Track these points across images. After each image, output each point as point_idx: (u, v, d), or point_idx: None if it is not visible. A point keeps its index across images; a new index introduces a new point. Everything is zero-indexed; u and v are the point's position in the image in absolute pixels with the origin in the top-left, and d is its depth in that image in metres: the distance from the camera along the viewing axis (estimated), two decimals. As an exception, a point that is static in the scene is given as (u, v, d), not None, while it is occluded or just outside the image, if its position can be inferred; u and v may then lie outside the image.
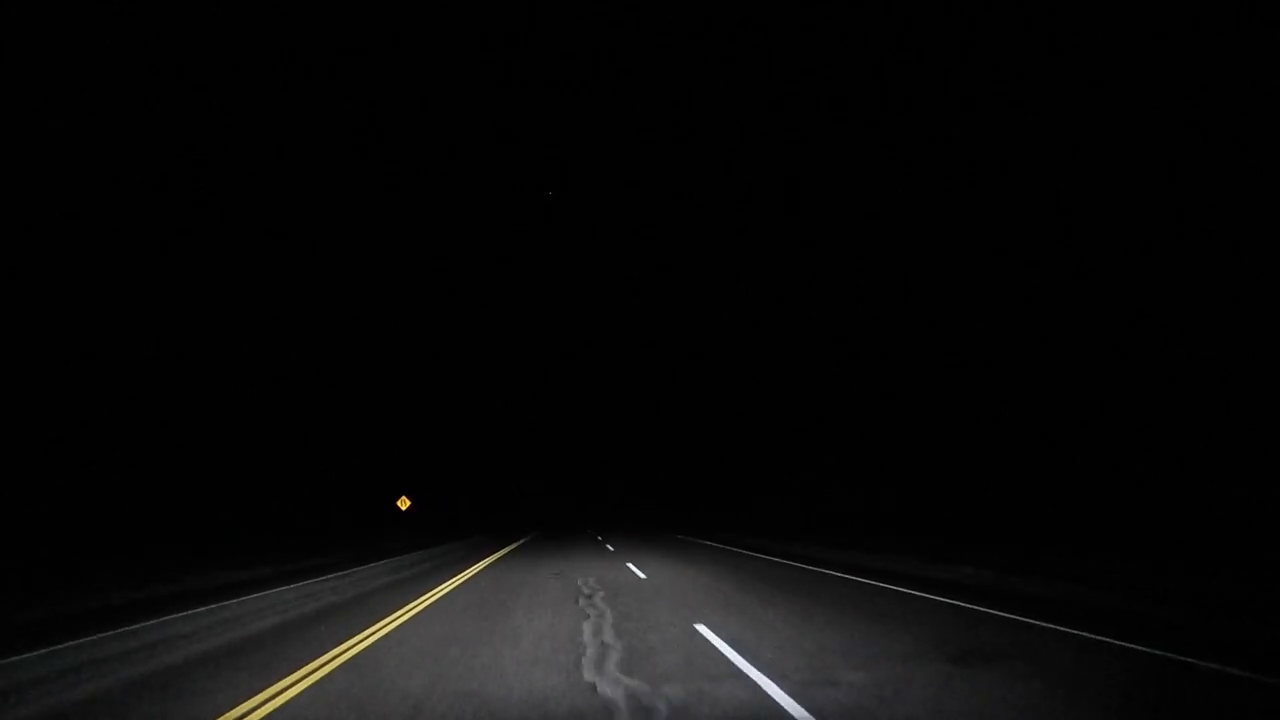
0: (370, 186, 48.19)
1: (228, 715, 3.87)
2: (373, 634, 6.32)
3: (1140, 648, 4.87)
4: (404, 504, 29.08)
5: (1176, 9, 14.44)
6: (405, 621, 7.00)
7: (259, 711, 3.93)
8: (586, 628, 6.28)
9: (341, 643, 5.89)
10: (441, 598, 8.89)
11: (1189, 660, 4.43)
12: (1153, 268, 15.10)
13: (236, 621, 7.24)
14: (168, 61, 23.61)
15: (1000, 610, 6.55)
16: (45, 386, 17.57)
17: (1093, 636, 5.25)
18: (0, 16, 17.30)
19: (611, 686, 4.20)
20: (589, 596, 8.49)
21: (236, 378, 27.23)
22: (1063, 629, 5.61)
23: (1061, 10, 17.84)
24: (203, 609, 8.18)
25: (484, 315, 65.48)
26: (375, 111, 44.01)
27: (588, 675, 4.50)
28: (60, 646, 6.06)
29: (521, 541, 25.17)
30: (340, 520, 31.94)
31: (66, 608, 8.40)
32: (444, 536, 30.90)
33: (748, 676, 4.34)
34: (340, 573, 13.15)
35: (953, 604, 7.05)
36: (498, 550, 19.46)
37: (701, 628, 6.08)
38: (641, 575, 11.00)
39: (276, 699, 4.17)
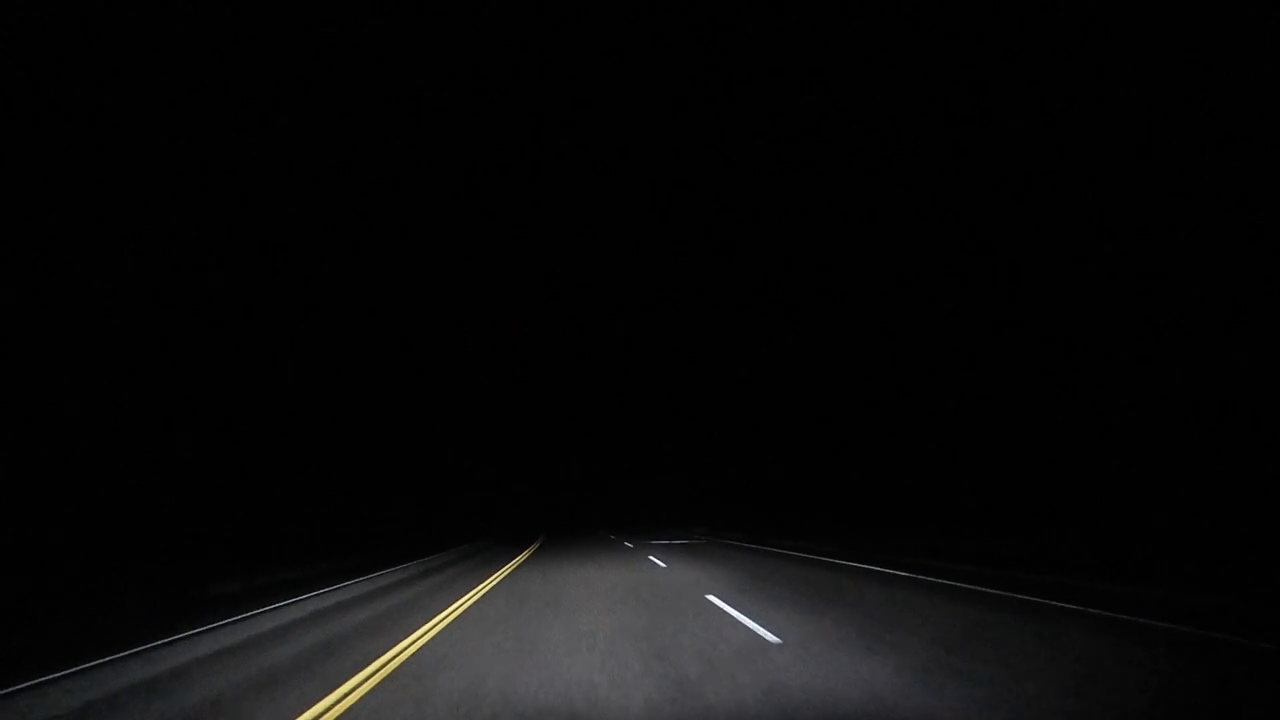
0: (360, 185, 47.65)
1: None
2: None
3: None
4: None
5: (1176, 9, 14.70)
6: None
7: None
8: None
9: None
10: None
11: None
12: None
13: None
14: (167, 61, 23.15)
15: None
16: (49, 393, 17.19)
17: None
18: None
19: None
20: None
21: (218, 378, 26.79)
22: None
23: (1060, 10, 18.10)
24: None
25: (471, 316, 65.01)
26: (362, 107, 43.49)
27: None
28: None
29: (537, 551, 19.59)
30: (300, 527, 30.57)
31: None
32: (437, 544, 30.44)
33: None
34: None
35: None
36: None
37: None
38: None
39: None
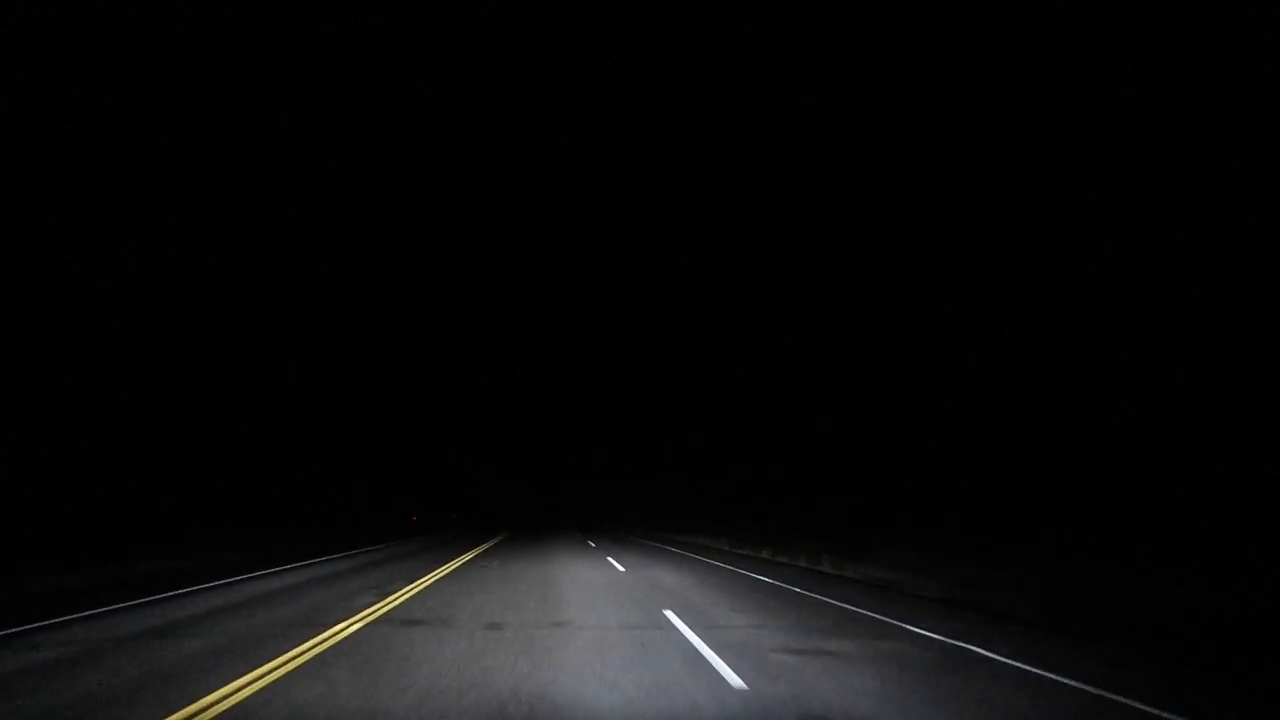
0: (360, 185, 47.62)
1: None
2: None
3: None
4: None
5: (1176, 9, 14.71)
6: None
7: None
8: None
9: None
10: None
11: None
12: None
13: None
14: (167, 61, 23.17)
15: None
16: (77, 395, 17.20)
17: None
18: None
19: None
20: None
21: (218, 378, 26.78)
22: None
23: (1060, 10, 18.11)
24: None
25: (471, 316, 64.96)
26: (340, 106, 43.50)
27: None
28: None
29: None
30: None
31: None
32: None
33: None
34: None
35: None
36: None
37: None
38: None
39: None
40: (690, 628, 6.05)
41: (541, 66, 46.99)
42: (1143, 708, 3.67)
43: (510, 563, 13.26)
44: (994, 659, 4.85)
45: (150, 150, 22.80)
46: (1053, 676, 4.34)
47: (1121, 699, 3.85)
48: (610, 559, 14.32)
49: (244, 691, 3.92)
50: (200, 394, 24.61)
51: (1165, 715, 3.55)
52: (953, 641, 5.49)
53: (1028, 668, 4.60)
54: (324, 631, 5.77)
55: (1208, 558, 9.86)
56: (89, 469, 18.91)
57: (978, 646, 5.28)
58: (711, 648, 5.17)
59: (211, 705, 3.64)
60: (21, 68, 17.67)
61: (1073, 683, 4.20)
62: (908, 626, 6.11)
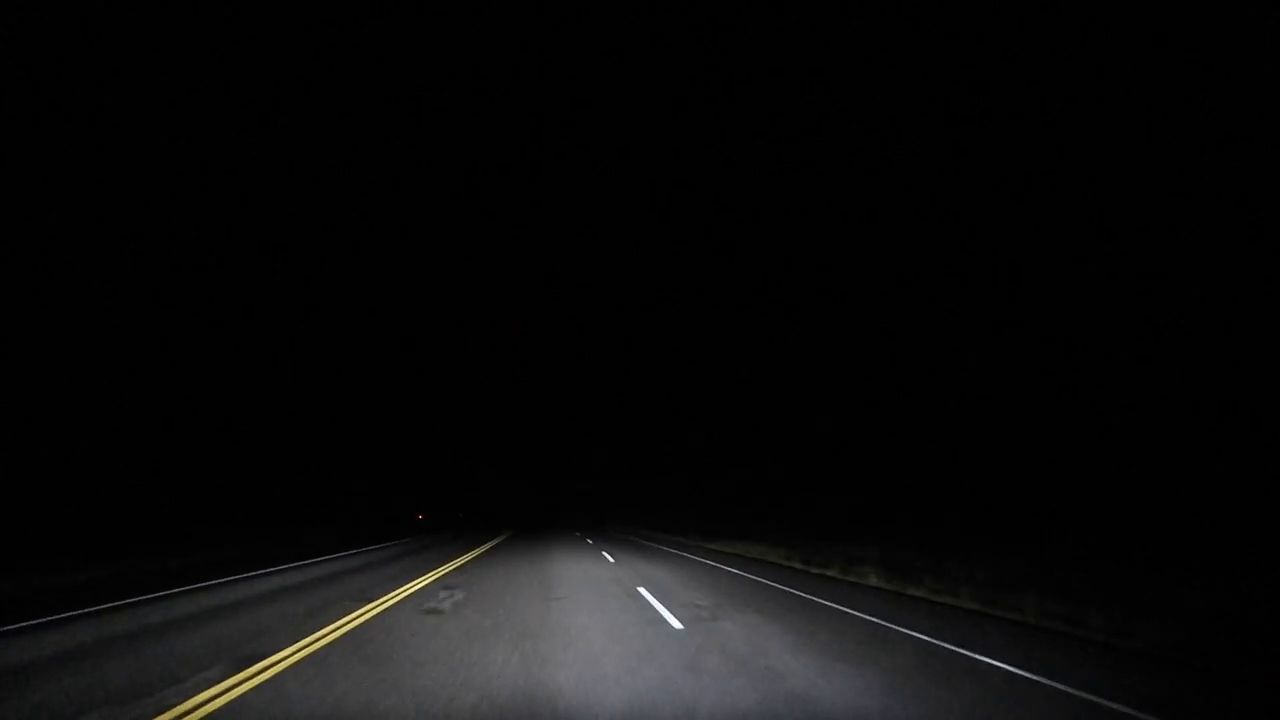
0: (360, 185, 47.65)
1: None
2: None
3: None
4: None
5: (1176, 9, 14.71)
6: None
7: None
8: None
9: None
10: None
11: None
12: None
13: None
14: (167, 61, 23.17)
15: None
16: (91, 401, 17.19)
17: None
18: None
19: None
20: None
21: (218, 378, 26.77)
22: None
23: (1060, 10, 18.11)
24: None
25: (471, 316, 65.03)
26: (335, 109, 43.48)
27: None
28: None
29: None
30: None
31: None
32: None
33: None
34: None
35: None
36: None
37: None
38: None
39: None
40: None
41: (541, 66, 47.05)
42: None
43: (488, 592, 8.29)
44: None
45: (150, 150, 22.82)
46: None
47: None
48: (643, 590, 8.47)
49: None
50: (200, 394, 24.61)
51: None
52: None
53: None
54: None
55: (1208, 557, 9.87)
56: (89, 469, 18.91)
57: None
58: None
59: None
60: (21, 68, 17.68)
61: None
62: None
